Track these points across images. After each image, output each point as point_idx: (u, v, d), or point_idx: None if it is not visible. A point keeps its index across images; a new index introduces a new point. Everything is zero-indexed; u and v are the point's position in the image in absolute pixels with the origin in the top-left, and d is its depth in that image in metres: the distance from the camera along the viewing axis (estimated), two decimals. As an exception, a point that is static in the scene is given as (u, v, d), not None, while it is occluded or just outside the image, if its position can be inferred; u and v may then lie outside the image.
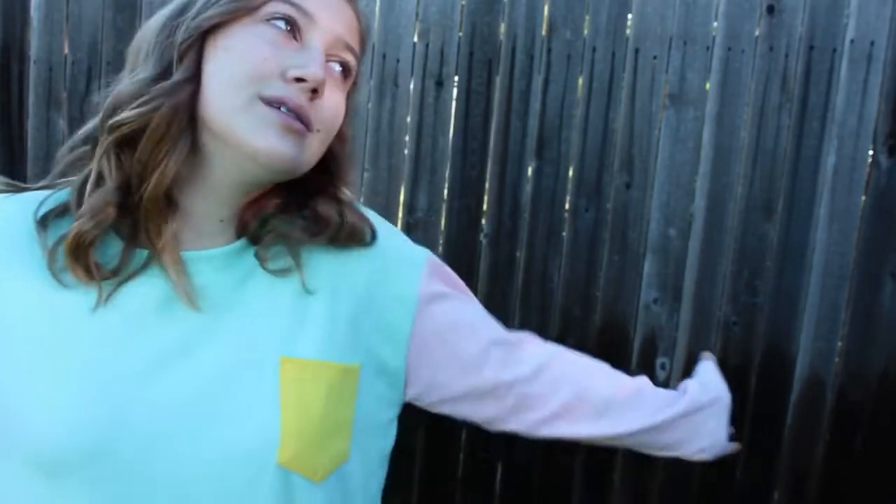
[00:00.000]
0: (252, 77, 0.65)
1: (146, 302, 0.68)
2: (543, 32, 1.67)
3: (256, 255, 0.72)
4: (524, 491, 1.76)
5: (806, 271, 1.59)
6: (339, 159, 0.78)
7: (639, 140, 1.63)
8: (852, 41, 1.54)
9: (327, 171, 0.77)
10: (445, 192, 1.75)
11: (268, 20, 0.67)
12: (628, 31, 1.63)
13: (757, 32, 1.57)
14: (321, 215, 0.74)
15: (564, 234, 1.69)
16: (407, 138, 1.76)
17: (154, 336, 0.66)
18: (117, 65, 1.88)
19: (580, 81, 1.67)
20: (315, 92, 0.67)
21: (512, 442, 1.73)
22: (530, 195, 1.70)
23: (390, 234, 0.81)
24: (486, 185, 1.73)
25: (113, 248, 0.69)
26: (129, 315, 0.67)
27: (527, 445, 1.72)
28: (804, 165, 1.58)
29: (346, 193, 0.79)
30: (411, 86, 1.74)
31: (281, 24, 0.67)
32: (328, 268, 0.74)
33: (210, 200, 0.71)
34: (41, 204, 0.72)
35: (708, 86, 1.60)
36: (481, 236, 1.74)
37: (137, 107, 0.66)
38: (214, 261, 0.71)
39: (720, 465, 1.65)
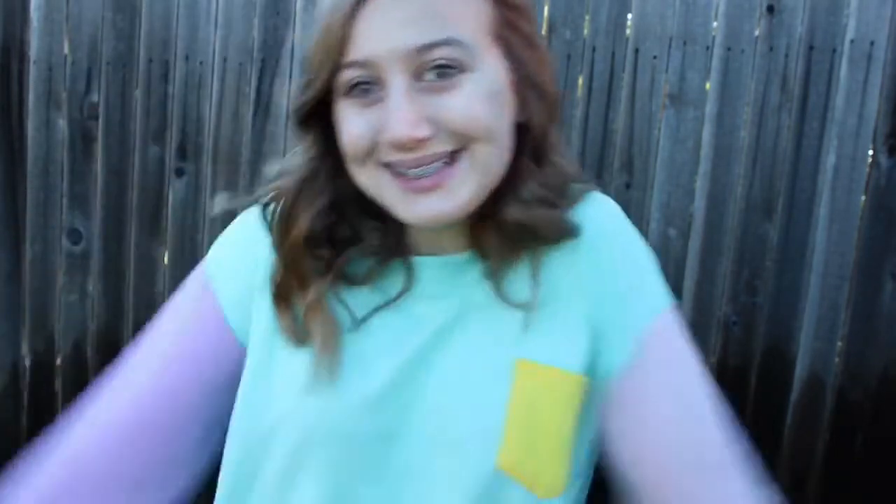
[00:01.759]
0: (361, 156, 0.64)
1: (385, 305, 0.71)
2: (543, 32, 1.67)
3: (489, 278, 0.69)
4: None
5: (806, 271, 1.59)
6: (533, 135, 0.68)
7: (639, 140, 1.63)
8: (852, 41, 1.54)
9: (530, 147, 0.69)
10: (445, 192, 1.75)
11: (345, 94, 0.64)
12: (628, 31, 1.63)
13: (757, 32, 1.57)
14: (517, 224, 0.68)
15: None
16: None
17: (396, 336, 0.69)
18: (117, 65, 1.88)
19: (580, 81, 1.67)
20: (421, 141, 0.61)
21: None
22: (530, 195, 1.70)
23: (627, 244, 0.73)
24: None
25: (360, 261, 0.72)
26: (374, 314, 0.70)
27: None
28: (804, 165, 1.58)
29: (551, 176, 0.70)
30: (411, 86, 1.74)
31: (355, 93, 0.63)
32: (560, 269, 0.70)
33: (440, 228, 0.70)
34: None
35: (708, 86, 1.60)
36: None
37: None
38: (447, 267, 0.71)
39: (720, 465, 1.65)
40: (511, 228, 0.67)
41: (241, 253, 0.77)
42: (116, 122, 1.90)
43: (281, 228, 0.71)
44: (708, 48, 1.59)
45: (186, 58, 1.84)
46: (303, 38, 1.78)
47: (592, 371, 0.69)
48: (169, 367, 0.76)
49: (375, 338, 0.70)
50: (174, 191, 1.88)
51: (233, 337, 0.75)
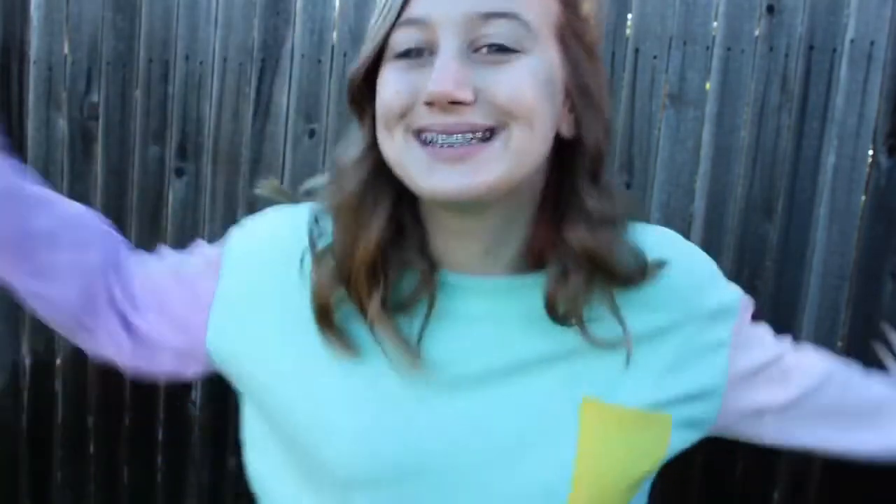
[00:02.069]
0: (394, 118, 0.60)
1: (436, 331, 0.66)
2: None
3: (567, 319, 0.65)
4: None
5: (806, 271, 1.59)
6: (587, 149, 0.64)
7: (639, 140, 1.63)
8: (852, 41, 1.54)
9: (574, 164, 0.65)
10: (445, 192, 1.75)
11: (395, 55, 0.61)
12: (628, 31, 1.63)
13: (757, 32, 1.57)
14: (584, 250, 0.63)
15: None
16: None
17: (448, 366, 0.65)
18: (117, 65, 1.88)
19: (580, 81, 1.66)
20: (460, 104, 0.57)
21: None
22: (530, 195, 1.70)
23: (693, 263, 0.74)
24: (486, 185, 1.73)
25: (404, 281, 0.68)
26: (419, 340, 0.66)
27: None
28: (804, 165, 1.58)
29: (601, 199, 0.66)
30: (411, 86, 1.74)
31: (404, 51, 0.61)
32: (630, 304, 0.67)
33: (452, 232, 0.66)
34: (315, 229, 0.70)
35: (708, 86, 1.60)
36: (481, 236, 1.74)
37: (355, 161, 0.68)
38: (499, 290, 0.66)
39: (720, 466, 1.65)
40: (579, 255, 0.63)
41: (265, 263, 0.72)
42: (116, 122, 1.90)
43: (343, 244, 0.66)
44: (708, 48, 1.59)
45: (186, 58, 1.84)
46: (303, 38, 1.78)
47: (685, 405, 0.70)
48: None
49: (431, 365, 0.66)
50: (174, 191, 1.88)
51: (202, 335, 0.73)
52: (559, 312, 0.64)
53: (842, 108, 1.55)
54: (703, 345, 0.71)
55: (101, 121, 1.90)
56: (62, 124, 1.93)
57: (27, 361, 2.02)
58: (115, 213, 1.91)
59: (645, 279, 0.66)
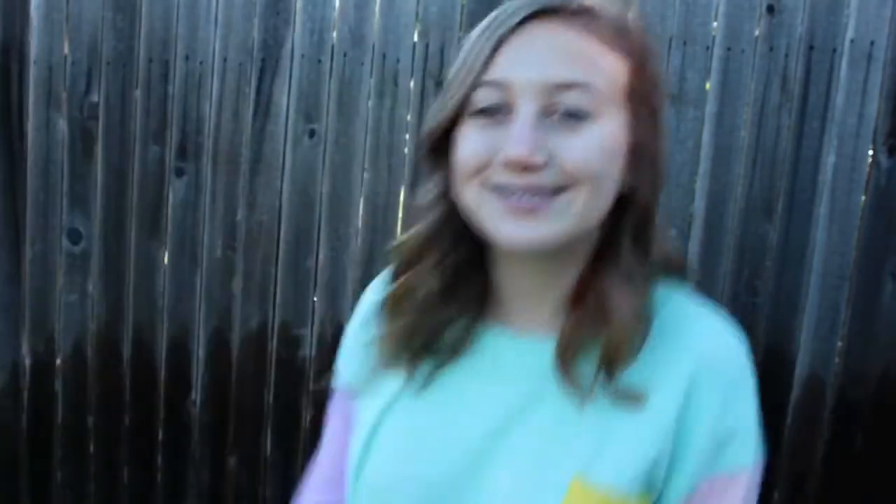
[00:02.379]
0: (471, 172, 0.65)
1: (461, 379, 0.72)
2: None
3: (557, 368, 0.67)
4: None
5: (806, 271, 1.59)
6: (636, 206, 0.68)
7: (639, 140, 1.63)
8: (852, 41, 1.54)
9: (627, 222, 0.68)
10: (445, 192, 1.75)
11: (473, 113, 0.65)
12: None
13: (757, 32, 1.57)
14: (604, 307, 0.66)
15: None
16: (407, 138, 1.75)
17: (464, 418, 0.71)
18: (117, 65, 1.88)
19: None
20: (534, 167, 0.62)
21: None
22: (530, 195, 1.70)
23: (718, 342, 0.69)
24: (486, 185, 1.73)
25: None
26: (450, 390, 0.72)
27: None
28: (804, 165, 1.58)
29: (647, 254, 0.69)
30: (411, 86, 1.74)
31: (482, 109, 0.65)
32: (641, 371, 0.67)
33: (520, 278, 0.71)
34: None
35: (708, 86, 1.60)
36: (481, 236, 1.74)
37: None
38: (528, 350, 0.70)
39: (720, 465, 1.65)
40: (591, 303, 0.67)
41: (358, 342, 0.83)
42: (116, 122, 1.90)
43: (398, 295, 0.74)
44: (708, 48, 1.59)
45: (186, 58, 1.84)
46: (303, 38, 1.78)
47: (649, 488, 0.67)
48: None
49: (445, 410, 0.72)
50: (174, 191, 1.88)
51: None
52: (565, 369, 0.67)
53: (842, 108, 1.55)
54: (686, 459, 0.67)
55: (101, 121, 1.90)
56: (62, 124, 1.92)
57: (27, 361, 2.02)
58: (115, 213, 1.91)
59: (665, 349, 0.68)
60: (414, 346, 0.72)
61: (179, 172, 1.87)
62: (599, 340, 0.67)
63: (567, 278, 0.70)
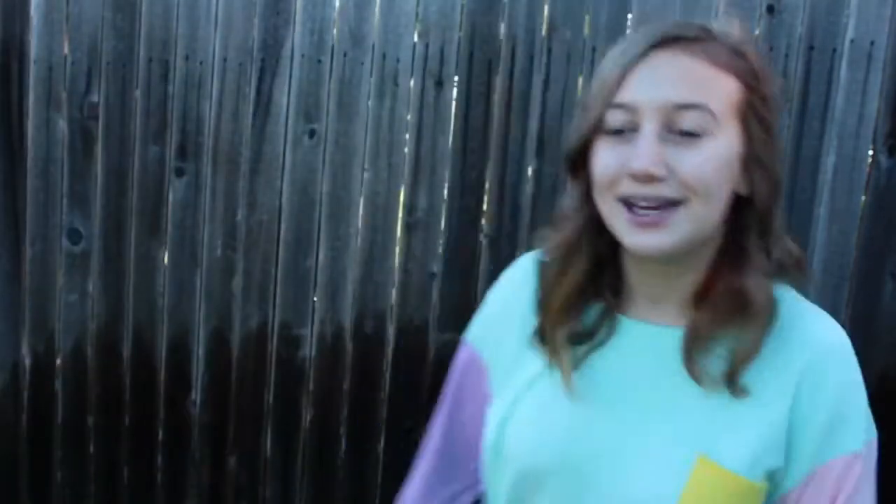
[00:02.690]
0: (606, 185, 0.76)
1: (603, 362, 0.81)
2: (543, 32, 1.67)
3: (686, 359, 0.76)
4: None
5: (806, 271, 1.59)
6: (755, 209, 0.77)
7: (639, 140, 1.63)
8: (852, 41, 1.54)
9: (746, 227, 0.78)
10: (445, 192, 1.75)
11: (607, 132, 0.75)
12: (628, 31, 1.63)
13: (757, 32, 1.57)
14: (741, 302, 0.75)
15: (564, 234, 1.69)
16: (407, 138, 1.76)
17: (611, 391, 0.80)
18: (117, 65, 1.88)
19: (580, 81, 1.66)
20: (655, 179, 0.72)
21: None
22: (530, 195, 1.70)
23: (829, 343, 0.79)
24: (486, 186, 1.73)
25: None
26: (596, 372, 0.81)
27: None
28: (804, 165, 1.58)
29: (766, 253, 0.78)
30: (411, 86, 1.74)
31: (614, 130, 0.75)
32: (759, 365, 0.75)
33: (651, 275, 0.80)
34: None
35: (708, 86, 1.60)
36: (481, 236, 1.74)
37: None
38: (659, 337, 0.79)
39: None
40: (725, 297, 0.75)
41: (503, 315, 0.91)
42: (116, 122, 1.90)
43: (549, 284, 0.83)
44: (708, 48, 1.59)
45: (186, 58, 1.84)
46: (303, 38, 1.78)
47: (765, 477, 0.74)
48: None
49: (582, 390, 0.81)
50: (174, 191, 1.88)
51: (490, 392, 0.90)
52: (693, 358, 0.76)
53: (842, 108, 1.55)
54: (803, 444, 0.75)
55: (101, 121, 1.90)
56: (62, 124, 1.92)
57: (27, 361, 2.02)
58: (115, 213, 1.92)
59: (782, 345, 0.76)
60: (559, 330, 0.82)
61: (179, 172, 1.87)
62: (729, 334, 0.75)
63: (691, 277, 0.79)
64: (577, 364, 0.81)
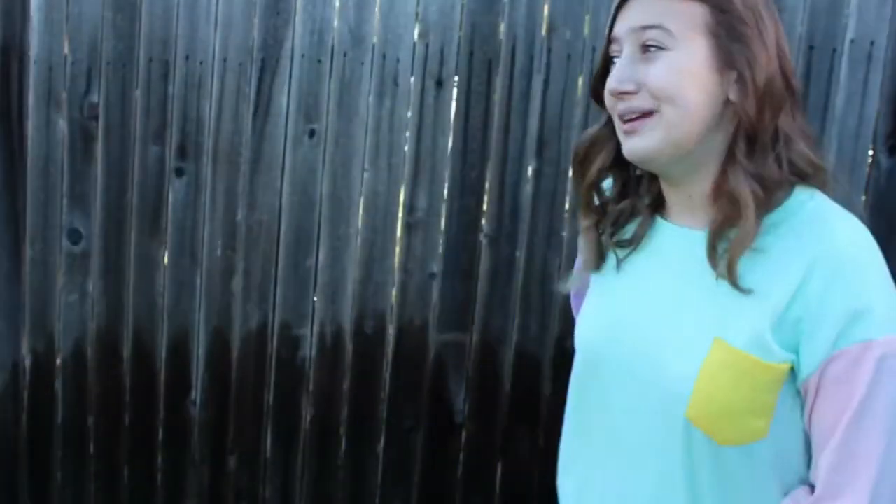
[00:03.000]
0: (609, 105, 0.89)
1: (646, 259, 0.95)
2: (543, 32, 1.67)
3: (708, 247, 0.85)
4: (524, 491, 1.76)
5: (806, 271, 1.59)
6: (738, 118, 0.84)
7: (639, 140, 1.63)
8: (852, 41, 1.54)
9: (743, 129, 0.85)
10: (445, 192, 1.75)
11: (611, 60, 0.89)
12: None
13: (757, 32, 1.57)
14: (723, 194, 0.85)
15: (564, 234, 1.69)
16: (407, 138, 1.76)
17: (646, 286, 0.93)
18: (117, 65, 1.88)
19: (580, 81, 1.67)
20: (627, 94, 0.84)
21: (512, 442, 1.73)
22: (530, 195, 1.70)
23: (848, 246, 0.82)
24: (486, 186, 1.73)
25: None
26: (637, 270, 0.95)
27: (527, 445, 1.72)
28: (804, 165, 1.57)
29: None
30: (411, 86, 1.74)
31: (613, 57, 0.88)
32: (771, 259, 0.82)
33: (667, 182, 0.92)
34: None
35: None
36: (481, 236, 1.74)
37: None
38: (684, 237, 0.90)
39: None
40: (721, 199, 0.84)
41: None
42: (116, 122, 1.90)
43: (575, 172, 0.98)
44: (708, 48, 1.59)
45: (186, 58, 1.84)
46: (303, 38, 1.78)
47: (788, 359, 0.81)
48: None
49: (622, 280, 0.95)
50: (174, 191, 1.88)
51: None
52: (714, 259, 0.84)
53: (842, 108, 1.55)
54: (819, 332, 0.79)
55: (101, 121, 1.90)
56: (62, 124, 1.93)
57: (27, 361, 2.02)
58: (115, 213, 1.92)
59: (802, 247, 0.82)
60: (596, 232, 0.97)
61: (179, 172, 1.87)
62: (732, 233, 0.83)
63: (704, 182, 0.88)
64: (619, 264, 0.95)
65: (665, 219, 0.94)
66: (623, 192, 0.97)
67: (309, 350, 1.85)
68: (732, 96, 0.84)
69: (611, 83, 0.87)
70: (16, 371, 2.02)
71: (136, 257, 1.92)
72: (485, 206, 1.74)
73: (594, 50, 1.64)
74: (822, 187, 0.90)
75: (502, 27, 1.69)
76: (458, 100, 1.73)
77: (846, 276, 0.79)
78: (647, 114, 0.85)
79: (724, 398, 0.82)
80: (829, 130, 1.56)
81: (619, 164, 0.94)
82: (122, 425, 1.98)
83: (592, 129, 0.97)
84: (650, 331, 0.89)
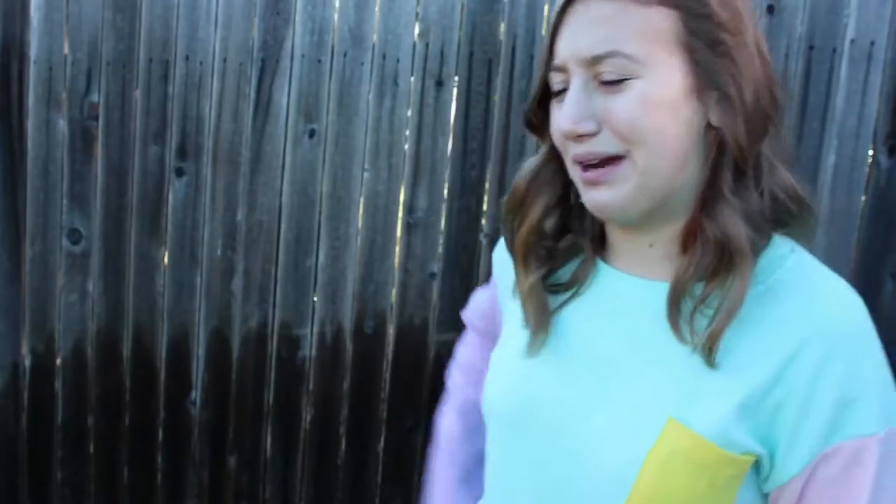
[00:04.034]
0: (560, 146, 0.73)
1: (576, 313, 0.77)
2: (543, 32, 1.67)
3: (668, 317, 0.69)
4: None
5: (806, 271, 1.59)
6: (726, 145, 0.68)
7: (639, 140, 1.63)
8: (852, 41, 1.54)
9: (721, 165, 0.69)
10: (445, 192, 1.75)
11: (554, 93, 0.73)
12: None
13: (757, 32, 1.57)
14: (722, 243, 0.67)
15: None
16: (407, 136, 1.76)
17: (573, 348, 0.76)
18: (117, 65, 1.88)
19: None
20: (585, 136, 0.68)
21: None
22: (530, 195, 1.70)
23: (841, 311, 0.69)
24: (486, 186, 1.73)
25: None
26: (565, 325, 0.77)
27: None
28: (804, 165, 1.58)
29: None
30: (411, 86, 1.74)
31: (558, 91, 0.72)
32: (751, 328, 0.67)
33: (623, 228, 0.75)
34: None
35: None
36: (481, 236, 1.74)
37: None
38: (644, 290, 0.73)
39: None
40: (703, 243, 0.68)
41: (500, 255, 0.90)
42: (116, 122, 1.90)
43: (511, 217, 0.80)
44: (708, 48, 1.59)
45: (186, 58, 1.84)
46: (303, 38, 1.78)
47: (756, 451, 0.66)
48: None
49: (554, 334, 0.77)
50: (174, 191, 1.88)
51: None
52: (676, 322, 0.68)
53: (842, 108, 1.55)
54: (801, 428, 0.66)
55: (101, 121, 1.90)
56: (62, 124, 1.92)
57: (27, 361, 2.02)
58: (115, 213, 1.91)
59: (779, 315, 0.67)
60: (527, 278, 0.78)
61: (179, 172, 1.87)
62: (715, 290, 0.67)
63: (673, 225, 0.72)
64: (549, 314, 0.77)
65: (609, 263, 0.77)
66: (562, 226, 0.79)
67: (309, 350, 1.85)
68: (715, 120, 0.68)
69: (563, 123, 0.68)
70: (16, 371, 2.02)
71: (136, 257, 1.92)
72: (485, 206, 1.74)
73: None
74: (806, 234, 0.74)
75: (502, 27, 1.69)
76: (458, 100, 1.73)
77: (843, 358, 0.66)
78: (613, 159, 0.68)
79: (674, 494, 0.66)
80: (829, 130, 1.56)
81: (565, 198, 0.78)
82: (122, 425, 1.98)
83: (531, 164, 0.79)
84: (583, 401, 0.72)
